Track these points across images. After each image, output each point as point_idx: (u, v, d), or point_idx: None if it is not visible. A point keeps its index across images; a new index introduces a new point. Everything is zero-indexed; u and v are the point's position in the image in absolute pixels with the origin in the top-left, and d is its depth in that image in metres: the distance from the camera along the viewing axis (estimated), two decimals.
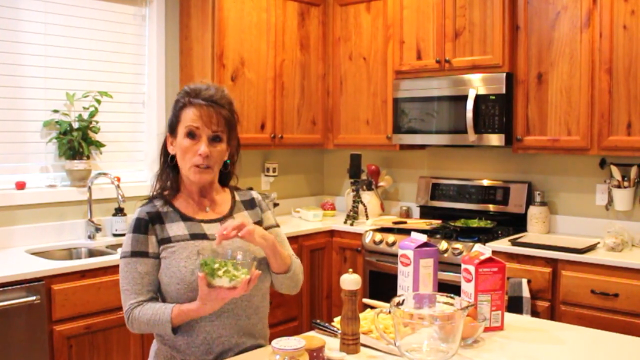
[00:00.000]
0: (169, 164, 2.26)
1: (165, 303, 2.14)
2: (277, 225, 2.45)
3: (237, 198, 2.38)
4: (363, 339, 2.18)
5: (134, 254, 2.14)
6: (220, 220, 2.26)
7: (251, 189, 2.56)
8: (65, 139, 4.06)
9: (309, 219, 5.03)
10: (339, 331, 2.35)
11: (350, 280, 2.09)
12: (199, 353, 2.16)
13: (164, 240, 2.16)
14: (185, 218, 2.22)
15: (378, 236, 4.49)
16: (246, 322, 2.22)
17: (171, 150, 2.23)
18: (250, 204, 2.39)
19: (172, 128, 2.22)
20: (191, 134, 2.17)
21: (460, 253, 4.01)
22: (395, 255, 3.97)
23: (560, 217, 4.42)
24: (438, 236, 4.25)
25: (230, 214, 2.29)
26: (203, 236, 2.19)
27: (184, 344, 2.16)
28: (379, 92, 4.96)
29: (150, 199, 2.26)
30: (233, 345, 2.18)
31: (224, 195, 2.35)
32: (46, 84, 4.09)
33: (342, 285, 2.10)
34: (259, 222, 2.35)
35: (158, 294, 2.20)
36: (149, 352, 3.64)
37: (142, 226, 2.17)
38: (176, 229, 2.18)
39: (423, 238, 2.52)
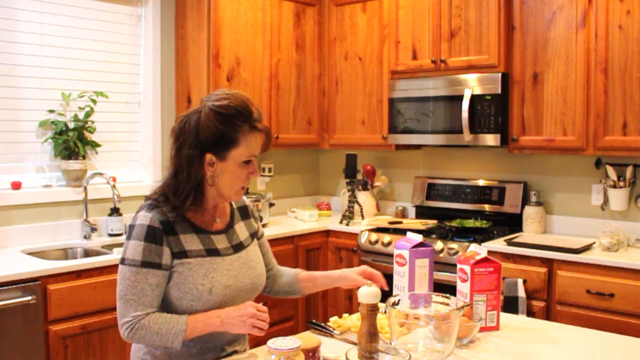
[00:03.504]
0: (195, 183, 2.09)
1: (175, 315, 2.05)
2: (263, 232, 2.48)
3: (234, 205, 2.34)
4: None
5: (146, 264, 2.01)
6: (226, 232, 2.23)
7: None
8: (61, 139, 4.05)
9: (304, 219, 5.03)
10: (335, 331, 2.35)
11: (370, 294, 1.93)
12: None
13: (180, 254, 2.07)
14: (196, 229, 2.14)
15: (374, 236, 4.49)
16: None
17: (210, 171, 2.08)
18: (244, 213, 2.37)
19: (221, 149, 2.06)
20: (249, 161, 2.11)
21: (456, 253, 4.01)
22: (391, 255, 3.97)
23: (556, 217, 4.42)
24: (434, 236, 4.25)
25: (231, 225, 2.26)
26: (216, 252, 2.14)
27: (177, 352, 2.11)
28: (374, 92, 4.96)
29: (156, 204, 2.11)
30: (226, 354, 2.19)
31: (224, 204, 2.29)
32: (42, 84, 4.08)
33: (360, 300, 1.94)
34: (254, 233, 2.36)
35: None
36: None
37: (156, 236, 2.03)
38: (190, 242, 2.10)
39: (419, 238, 2.52)
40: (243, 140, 2.07)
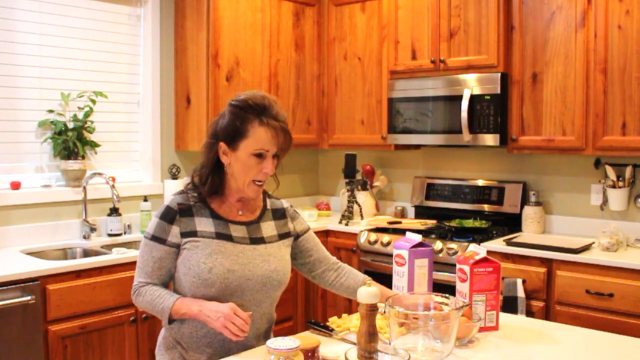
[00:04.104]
0: (216, 170, 2.26)
1: (171, 292, 2.22)
2: (309, 227, 2.54)
3: (268, 206, 2.42)
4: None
5: (154, 238, 2.22)
6: (248, 224, 2.31)
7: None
8: (60, 139, 4.05)
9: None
10: (334, 331, 2.35)
11: (369, 294, 1.93)
12: (200, 344, 2.22)
13: (190, 234, 2.21)
14: (214, 215, 2.26)
15: (373, 236, 4.49)
16: (251, 325, 2.23)
17: (225, 160, 2.23)
18: (279, 214, 2.44)
19: (232, 140, 2.20)
20: (260, 155, 2.20)
21: (455, 253, 4.01)
22: (390, 255, 3.97)
23: (555, 217, 4.43)
24: (433, 236, 4.25)
25: (257, 221, 2.34)
26: (229, 237, 2.24)
27: (188, 332, 2.23)
28: (373, 92, 4.96)
29: (185, 191, 2.30)
30: (234, 342, 2.21)
31: (257, 201, 2.39)
32: (41, 84, 4.08)
33: (359, 300, 1.94)
34: (287, 233, 2.41)
35: (170, 280, 2.28)
36: (143, 352, 3.65)
37: (169, 215, 2.22)
38: (204, 224, 2.23)
39: (418, 238, 2.52)
40: (252, 132, 2.18)
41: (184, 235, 2.21)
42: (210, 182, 2.24)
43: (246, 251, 2.24)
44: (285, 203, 2.50)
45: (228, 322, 2.05)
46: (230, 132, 2.19)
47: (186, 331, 2.23)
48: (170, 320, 2.18)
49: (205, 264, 2.17)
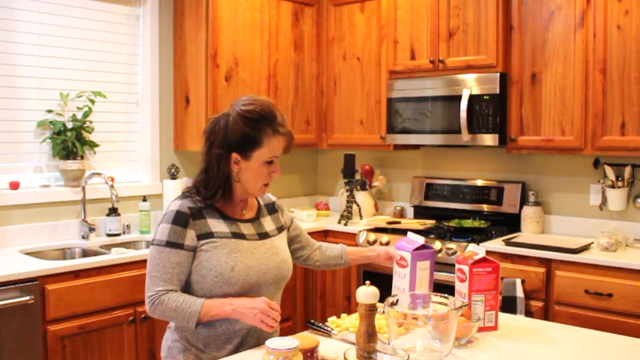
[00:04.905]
0: (223, 179, 2.28)
1: (194, 296, 2.22)
2: (292, 216, 2.69)
3: (261, 202, 2.51)
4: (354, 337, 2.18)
5: (169, 244, 2.20)
6: (252, 221, 2.39)
7: None
8: (59, 139, 4.05)
9: (303, 219, 5.03)
10: (333, 331, 2.35)
11: (368, 294, 1.94)
12: (219, 341, 2.26)
13: (206, 235, 2.24)
14: (223, 216, 2.31)
15: (372, 236, 4.48)
16: None
17: (235, 169, 2.27)
18: (271, 208, 2.53)
19: (245, 150, 2.25)
20: (271, 161, 2.29)
21: (454, 253, 4.01)
22: None
23: (554, 217, 4.42)
24: (432, 236, 4.24)
25: (257, 218, 2.43)
26: (242, 235, 2.31)
27: (205, 332, 2.25)
28: (372, 92, 4.96)
29: (189, 195, 2.31)
30: (251, 336, 2.27)
31: (252, 199, 2.46)
32: (40, 84, 4.08)
33: (359, 299, 1.94)
34: (281, 227, 2.52)
35: (183, 286, 2.29)
36: (142, 352, 3.64)
37: (182, 219, 2.22)
38: (217, 225, 2.27)
39: (420, 240, 2.50)
40: (266, 142, 2.26)
41: (200, 237, 2.23)
42: (221, 191, 2.28)
43: (258, 247, 2.32)
44: (273, 197, 2.60)
45: (264, 316, 2.13)
46: (245, 143, 2.24)
47: (203, 331, 2.24)
48: (197, 324, 2.20)
49: (227, 263, 2.21)
